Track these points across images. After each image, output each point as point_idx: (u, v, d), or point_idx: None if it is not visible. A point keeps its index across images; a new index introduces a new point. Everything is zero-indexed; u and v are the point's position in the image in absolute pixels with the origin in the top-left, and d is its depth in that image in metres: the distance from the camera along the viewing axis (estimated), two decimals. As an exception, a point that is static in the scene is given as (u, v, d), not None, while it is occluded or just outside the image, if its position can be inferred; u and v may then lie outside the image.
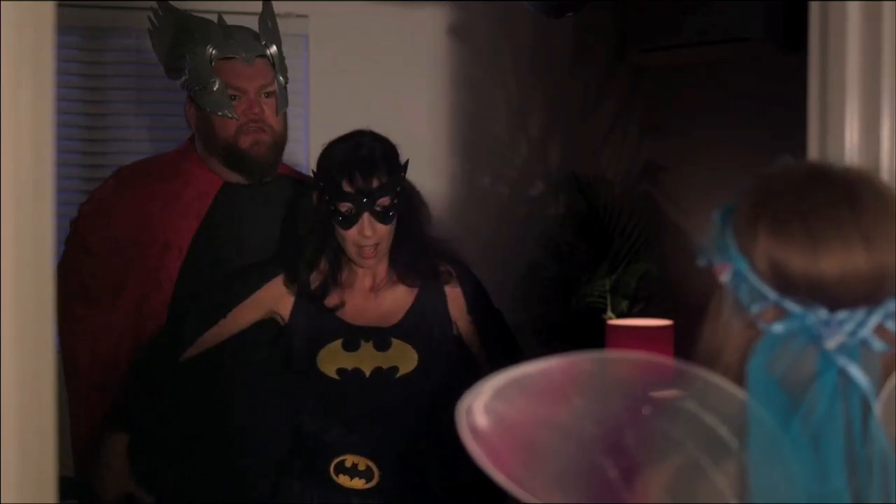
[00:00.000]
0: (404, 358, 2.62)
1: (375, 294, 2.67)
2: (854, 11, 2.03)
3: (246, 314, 2.69)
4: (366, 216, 2.56)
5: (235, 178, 2.83)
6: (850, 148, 2.05)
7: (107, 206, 2.82)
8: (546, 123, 4.34)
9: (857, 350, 1.18)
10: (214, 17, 2.86)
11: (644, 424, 1.21)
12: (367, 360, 2.61)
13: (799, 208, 1.22)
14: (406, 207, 2.64)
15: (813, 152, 2.11)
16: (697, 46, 3.82)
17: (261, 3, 2.90)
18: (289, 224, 2.76)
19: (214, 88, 2.77)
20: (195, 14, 2.90)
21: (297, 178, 2.97)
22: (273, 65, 2.84)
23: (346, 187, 2.56)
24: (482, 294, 2.79)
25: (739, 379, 1.21)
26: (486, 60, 4.25)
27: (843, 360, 1.18)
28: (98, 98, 3.82)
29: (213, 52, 2.78)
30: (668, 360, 1.25)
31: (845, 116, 2.05)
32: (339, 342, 2.62)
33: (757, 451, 1.17)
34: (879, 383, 1.20)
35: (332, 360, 2.61)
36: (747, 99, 3.96)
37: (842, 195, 1.22)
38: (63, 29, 3.60)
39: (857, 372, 1.18)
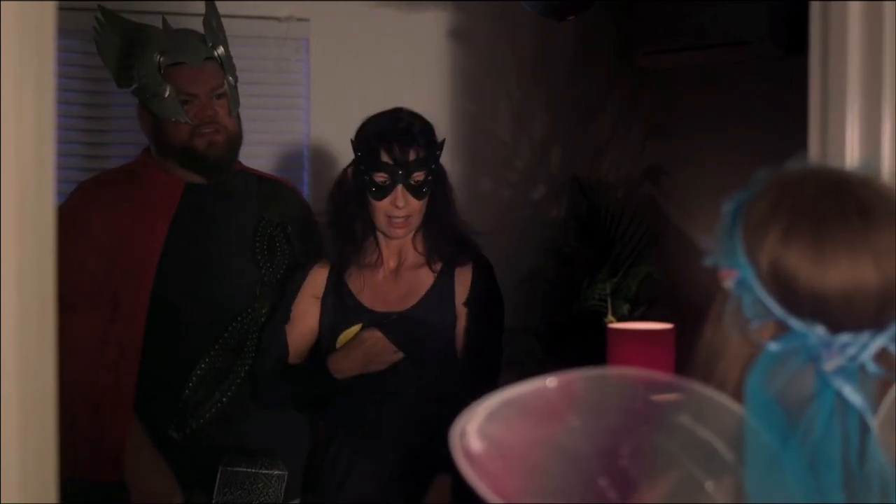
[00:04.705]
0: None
1: (397, 276, 2.70)
2: (855, 12, 2.03)
3: (303, 309, 2.73)
4: (399, 188, 2.61)
5: (195, 178, 2.87)
6: (850, 150, 2.05)
7: (76, 216, 2.82)
8: (548, 126, 4.34)
9: (855, 373, 1.17)
10: (159, 18, 2.87)
11: (640, 441, 1.20)
12: None
13: (811, 217, 1.19)
14: (439, 188, 2.69)
15: (814, 154, 2.11)
16: (700, 49, 3.81)
17: (203, 3, 2.91)
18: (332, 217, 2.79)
19: (166, 95, 2.80)
20: (138, 21, 2.91)
21: (258, 175, 3.03)
22: (222, 66, 2.86)
23: (384, 157, 2.61)
24: (486, 291, 2.76)
25: (736, 391, 1.20)
26: (488, 63, 4.25)
27: (839, 382, 1.16)
28: (99, 101, 3.82)
29: (161, 58, 2.80)
30: (662, 376, 1.24)
31: (846, 118, 2.05)
32: (358, 327, 2.67)
33: (754, 469, 1.16)
34: (875, 401, 1.19)
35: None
36: (750, 101, 3.96)
37: (854, 208, 1.19)
38: (64, 32, 3.60)
39: (852, 394, 1.16)
